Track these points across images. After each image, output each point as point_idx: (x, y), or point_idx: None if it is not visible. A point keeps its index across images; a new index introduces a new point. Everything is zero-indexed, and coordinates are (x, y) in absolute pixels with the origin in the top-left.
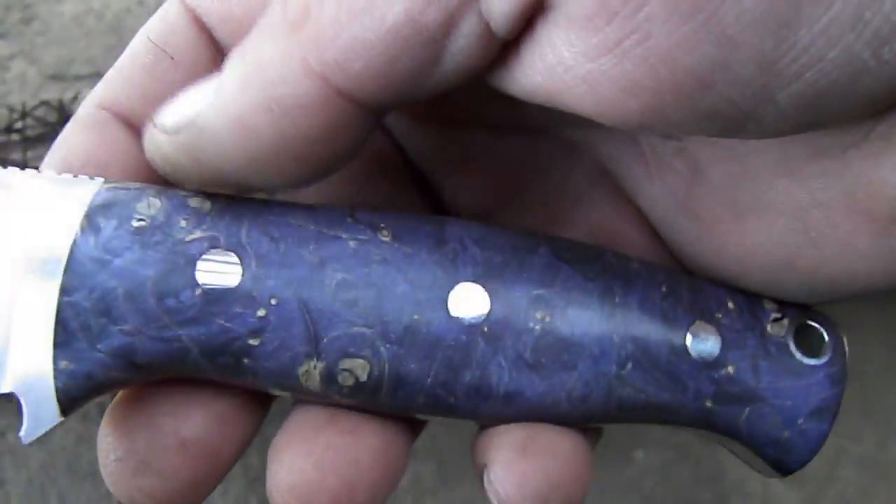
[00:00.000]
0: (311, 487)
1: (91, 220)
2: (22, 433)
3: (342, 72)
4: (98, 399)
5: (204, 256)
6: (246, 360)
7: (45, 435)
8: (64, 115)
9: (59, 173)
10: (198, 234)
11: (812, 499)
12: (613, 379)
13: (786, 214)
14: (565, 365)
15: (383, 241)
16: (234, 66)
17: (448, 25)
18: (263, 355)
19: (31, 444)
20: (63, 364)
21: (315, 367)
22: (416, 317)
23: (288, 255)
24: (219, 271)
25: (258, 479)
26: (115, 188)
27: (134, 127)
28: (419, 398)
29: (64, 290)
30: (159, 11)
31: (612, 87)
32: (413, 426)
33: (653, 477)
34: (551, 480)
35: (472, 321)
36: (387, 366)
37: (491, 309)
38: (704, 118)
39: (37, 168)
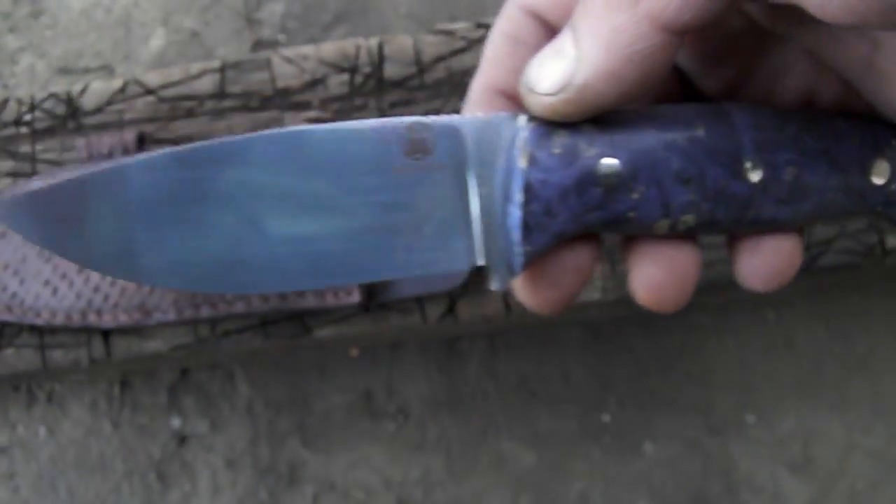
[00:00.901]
0: (662, 283)
1: (531, 155)
2: (493, 287)
3: (678, 21)
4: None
5: (600, 164)
6: (625, 224)
7: (55, 427)
8: (72, 108)
9: None
10: (593, 150)
11: (822, 492)
12: (828, 201)
13: None
14: (803, 198)
15: (698, 137)
16: (589, 37)
17: None
18: (636, 220)
19: (42, 439)
20: (525, 248)
21: (665, 222)
22: (722, 183)
23: (647, 155)
24: (609, 173)
25: (268, 471)
26: (535, 125)
27: (511, 96)
28: (721, 228)
29: (525, 204)
30: (502, 15)
31: (837, 8)
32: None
33: (662, 470)
34: (771, 268)
35: (754, 182)
36: (706, 215)
37: (763, 173)
38: (889, 24)
39: (46, 161)
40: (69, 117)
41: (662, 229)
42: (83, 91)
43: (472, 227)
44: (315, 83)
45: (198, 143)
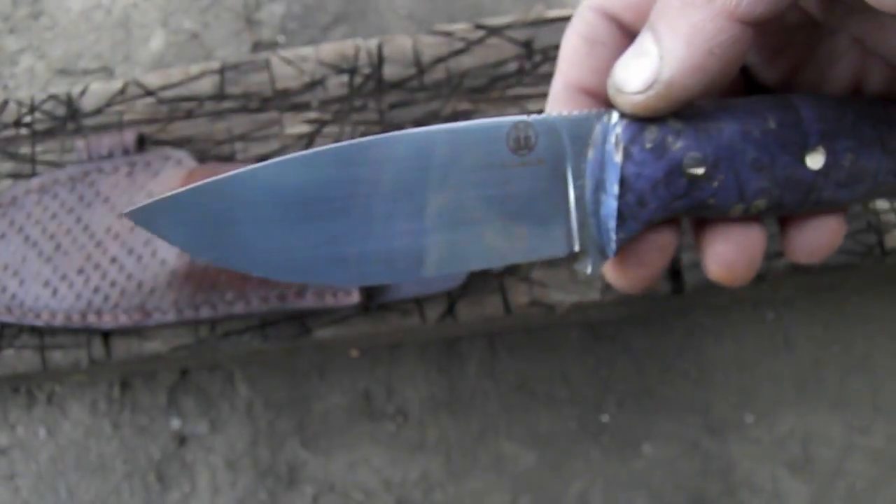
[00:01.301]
0: (734, 260)
1: (627, 151)
2: (588, 271)
3: (753, 13)
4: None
5: (685, 157)
6: (705, 209)
7: (55, 428)
8: (72, 109)
9: None
10: (679, 144)
11: (821, 492)
12: (880, 183)
13: None
14: (859, 181)
15: (770, 129)
16: (669, 34)
17: None
18: (714, 206)
19: (42, 440)
20: (619, 235)
21: (739, 207)
22: (790, 170)
23: (727, 147)
24: (695, 165)
25: (268, 472)
26: (627, 123)
27: (592, 93)
28: (787, 210)
29: (621, 196)
30: (576, 17)
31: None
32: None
33: (661, 470)
34: (818, 243)
35: (818, 169)
36: (775, 199)
37: (825, 160)
38: None
39: (46, 163)
40: (69, 119)
41: (737, 213)
42: (83, 92)
43: (570, 216)
44: (314, 84)
45: (331, 146)
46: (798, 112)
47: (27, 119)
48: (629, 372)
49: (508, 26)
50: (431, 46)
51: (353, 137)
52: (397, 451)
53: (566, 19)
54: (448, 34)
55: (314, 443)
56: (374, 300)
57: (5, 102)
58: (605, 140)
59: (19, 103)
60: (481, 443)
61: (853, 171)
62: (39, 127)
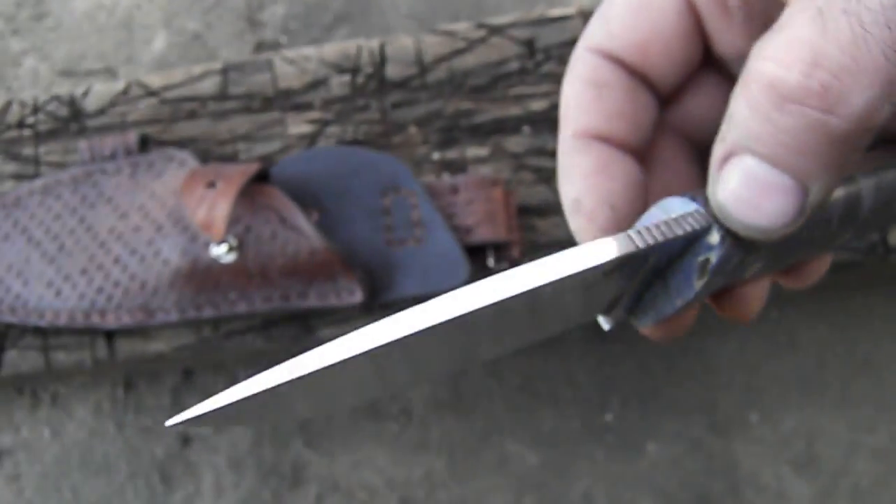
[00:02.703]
0: (752, 300)
1: (709, 281)
2: (607, 326)
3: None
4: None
5: (749, 269)
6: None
7: (59, 429)
8: (75, 110)
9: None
10: (757, 265)
11: (826, 491)
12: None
13: None
14: (871, 230)
15: (832, 231)
16: (807, 162)
17: None
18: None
19: (46, 441)
20: (678, 313)
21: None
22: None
23: (785, 251)
24: (755, 271)
25: (272, 472)
26: (727, 251)
27: (606, 139)
28: (836, 244)
29: (694, 298)
30: (576, 62)
31: None
32: None
33: (665, 469)
34: (811, 273)
35: (848, 237)
36: (801, 258)
37: (853, 232)
38: None
39: (49, 164)
40: (72, 119)
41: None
42: (86, 93)
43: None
44: (317, 84)
45: (451, 316)
46: (861, 203)
47: (30, 120)
48: (633, 371)
49: (510, 25)
50: (433, 46)
51: (355, 137)
52: (401, 451)
53: (568, 18)
54: (450, 33)
55: (318, 443)
56: (376, 299)
57: (9, 104)
58: (694, 252)
59: (23, 104)
60: (485, 442)
61: (868, 227)
62: (43, 128)
